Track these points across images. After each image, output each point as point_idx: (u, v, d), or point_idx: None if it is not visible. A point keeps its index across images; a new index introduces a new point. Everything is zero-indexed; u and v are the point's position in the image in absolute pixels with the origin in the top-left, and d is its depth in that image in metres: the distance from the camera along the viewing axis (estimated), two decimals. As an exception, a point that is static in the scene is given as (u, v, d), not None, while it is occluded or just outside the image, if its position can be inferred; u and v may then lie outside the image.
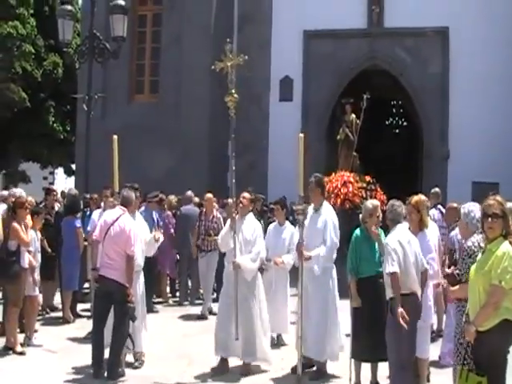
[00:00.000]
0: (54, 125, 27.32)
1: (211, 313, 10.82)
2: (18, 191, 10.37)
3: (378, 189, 14.60)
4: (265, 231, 8.75)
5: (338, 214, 12.22)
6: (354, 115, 15.15)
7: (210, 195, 11.87)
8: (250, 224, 7.89)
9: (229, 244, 7.75)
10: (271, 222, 10.01)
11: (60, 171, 34.98)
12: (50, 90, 26.87)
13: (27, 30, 24.67)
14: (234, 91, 7.61)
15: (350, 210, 13.65)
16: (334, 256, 7.61)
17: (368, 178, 14.68)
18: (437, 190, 11.90)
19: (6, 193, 11.86)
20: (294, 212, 7.71)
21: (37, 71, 26.04)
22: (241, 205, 7.93)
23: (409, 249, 6.18)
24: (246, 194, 8.06)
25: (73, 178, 25.98)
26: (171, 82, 19.14)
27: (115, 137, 8.08)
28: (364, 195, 14.08)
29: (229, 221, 7.88)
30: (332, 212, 7.72)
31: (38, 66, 26.15)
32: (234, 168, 7.95)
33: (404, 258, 6.10)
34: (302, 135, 7.40)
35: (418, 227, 6.79)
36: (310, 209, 7.65)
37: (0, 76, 23.38)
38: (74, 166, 24.96)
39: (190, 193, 12.87)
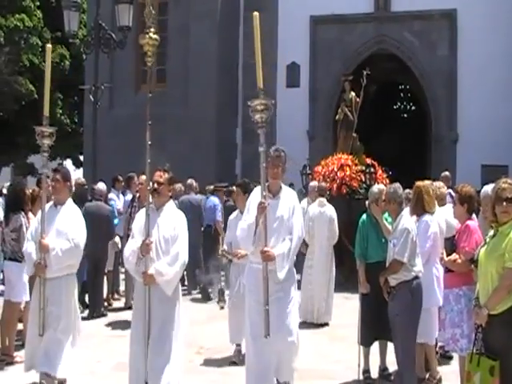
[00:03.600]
0: (62, 117, 27.34)
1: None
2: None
3: (380, 172, 13.89)
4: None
5: (335, 199, 12.22)
6: (353, 93, 14.27)
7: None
8: (170, 217, 5.67)
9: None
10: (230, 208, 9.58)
11: (68, 163, 35.02)
12: (57, 81, 26.80)
13: (34, 23, 24.64)
14: (152, 30, 5.68)
15: (348, 194, 13.13)
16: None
17: (368, 161, 13.88)
18: (447, 173, 11.83)
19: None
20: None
21: (44, 63, 26.02)
22: (155, 192, 5.66)
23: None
24: (162, 174, 5.75)
25: (81, 169, 26.02)
26: (178, 70, 19.11)
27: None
28: (363, 179, 13.42)
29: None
30: (296, 197, 6.02)
31: (44, 59, 26.13)
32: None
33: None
34: (256, 13, 6.00)
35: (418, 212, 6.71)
36: (258, 191, 5.66)
37: (7, 69, 23.40)
38: (82, 157, 25.00)
39: (190, 181, 12.88)
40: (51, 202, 6.29)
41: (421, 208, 6.63)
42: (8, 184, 11.91)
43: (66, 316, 6.07)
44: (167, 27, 19.84)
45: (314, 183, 11.49)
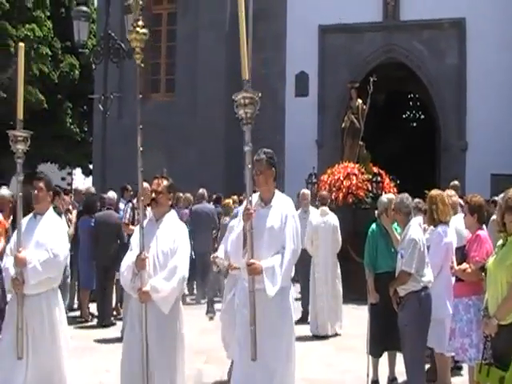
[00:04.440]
0: (72, 126, 27.51)
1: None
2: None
3: (387, 181, 13.67)
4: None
5: (341, 209, 12.11)
6: (360, 100, 14.09)
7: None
8: (170, 228, 5.18)
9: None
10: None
11: (78, 171, 35.15)
12: (66, 91, 27.05)
13: (44, 33, 24.84)
14: (140, 24, 5.07)
15: (354, 204, 12.95)
16: (293, 273, 5.21)
17: (375, 169, 13.65)
18: (456, 182, 11.74)
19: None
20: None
21: (54, 73, 26.22)
22: (153, 201, 5.24)
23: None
24: (160, 182, 5.28)
25: (91, 178, 26.13)
26: (187, 80, 19.17)
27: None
28: (370, 188, 13.21)
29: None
30: (291, 205, 5.22)
31: (54, 68, 26.32)
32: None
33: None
34: None
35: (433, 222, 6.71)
36: (255, 198, 5.09)
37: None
38: (91, 166, 25.10)
39: (202, 190, 12.94)
40: (31, 214, 5.69)
41: (436, 218, 6.62)
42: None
43: (52, 339, 5.39)
44: (176, 37, 19.95)
45: (304, 191, 11.32)
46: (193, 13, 19.25)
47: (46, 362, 5.32)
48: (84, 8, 15.27)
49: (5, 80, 23.19)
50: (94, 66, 16.09)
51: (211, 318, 10.37)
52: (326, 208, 10.08)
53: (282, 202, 5.12)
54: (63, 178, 36.92)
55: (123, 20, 15.42)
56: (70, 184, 34.20)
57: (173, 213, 5.33)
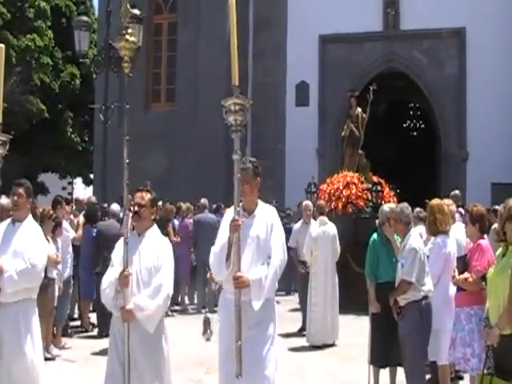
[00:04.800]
0: (72, 135, 27.54)
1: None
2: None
3: (387, 190, 13.62)
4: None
5: (340, 218, 12.10)
6: (359, 109, 14.02)
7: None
8: (154, 244, 4.97)
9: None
10: None
11: (79, 181, 35.13)
12: (67, 101, 27.10)
13: (45, 43, 24.91)
14: (129, 32, 4.84)
15: (353, 214, 12.89)
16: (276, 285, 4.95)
17: (375, 179, 13.57)
18: (457, 192, 11.71)
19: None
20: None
21: (55, 83, 26.27)
22: (135, 215, 4.99)
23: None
24: (143, 195, 5.03)
25: (91, 187, 26.13)
26: (187, 89, 19.20)
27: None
28: (369, 197, 13.16)
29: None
30: (275, 214, 5.08)
31: (55, 78, 26.39)
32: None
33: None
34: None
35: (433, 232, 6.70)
36: (234, 206, 4.76)
37: (19, 88, 23.58)
38: (92, 176, 25.11)
39: (203, 200, 12.98)
40: (9, 220, 5.56)
41: (435, 228, 6.60)
42: None
43: (24, 353, 5.20)
44: (176, 46, 19.99)
45: (307, 202, 11.30)
46: (193, 22, 19.31)
47: (18, 371, 5.15)
48: (85, 18, 15.33)
49: (6, 90, 23.24)
50: (94, 76, 16.12)
51: (208, 340, 10.19)
52: (324, 218, 10.06)
53: (265, 212, 4.99)
54: (64, 188, 36.86)
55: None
56: (70, 193, 34.15)
57: (155, 228, 5.09)
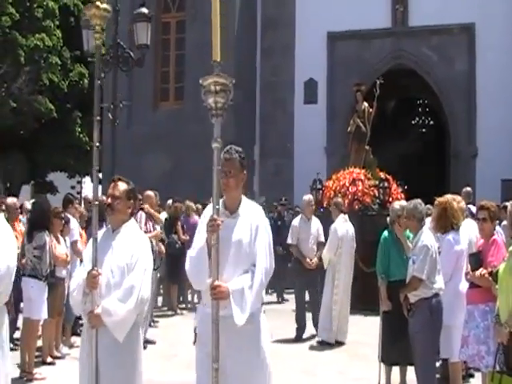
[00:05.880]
0: (81, 135, 27.59)
1: None
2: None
3: (394, 186, 13.34)
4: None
5: (347, 216, 11.91)
6: (366, 104, 13.69)
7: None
8: (128, 240, 4.35)
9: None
10: None
11: (87, 180, 35.20)
12: (76, 100, 27.14)
13: (53, 42, 24.94)
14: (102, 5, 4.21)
15: (360, 211, 12.63)
16: (264, 295, 4.23)
17: (382, 175, 13.29)
18: (468, 189, 11.55)
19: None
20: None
21: (63, 82, 26.32)
22: (107, 207, 4.39)
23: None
24: (118, 186, 4.44)
25: (100, 186, 26.19)
26: (196, 88, 19.11)
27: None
28: (376, 194, 12.87)
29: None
30: (262, 214, 4.31)
31: (64, 77, 26.43)
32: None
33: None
34: None
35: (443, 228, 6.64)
36: (220, 207, 4.04)
37: (28, 88, 23.67)
38: (100, 175, 25.15)
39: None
40: None
41: (445, 224, 6.53)
42: (32, 201, 11.88)
43: None
44: (185, 45, 20.00)
45: (308, 196, 10.42)
46: (201, 20, 19.28)
47: None
48: (93, 17, 15.33)
49: (15, 89, 23.32)
50: (103, 75, 16.14)
51: None
52: (346, 216, 9.90)
53: (250, 211, 4.21)
54: (73, 187, 37.00)
55: (132, 29, 15.46)
56: (79, 193, 34.27)
57: (132, 222, 4.51)
